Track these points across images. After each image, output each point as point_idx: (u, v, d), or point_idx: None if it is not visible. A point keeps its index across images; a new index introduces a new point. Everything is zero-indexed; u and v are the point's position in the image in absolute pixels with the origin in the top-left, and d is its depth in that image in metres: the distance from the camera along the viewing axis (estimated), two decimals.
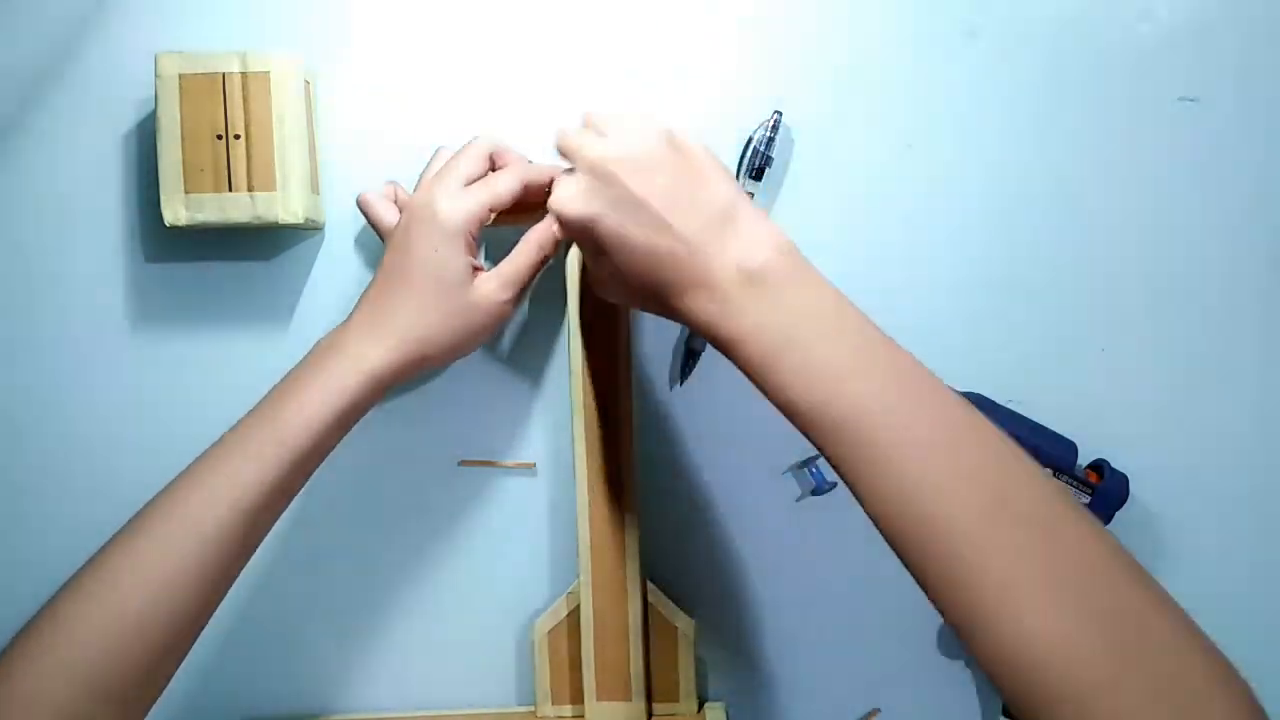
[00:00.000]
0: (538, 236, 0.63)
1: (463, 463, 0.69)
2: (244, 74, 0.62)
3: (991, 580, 0.42)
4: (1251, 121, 0.66)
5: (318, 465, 0.58)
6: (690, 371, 0.67)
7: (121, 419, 0.69)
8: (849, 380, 0.46)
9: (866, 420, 0.45)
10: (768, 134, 0.65)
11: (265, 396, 0.58)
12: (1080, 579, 0.42)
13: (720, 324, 0.49)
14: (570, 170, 0.54)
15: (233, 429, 0.57)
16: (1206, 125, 0.66)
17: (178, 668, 0.54)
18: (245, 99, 0.62)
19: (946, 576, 0.43)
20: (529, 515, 0.70)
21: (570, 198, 0.52)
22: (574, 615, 0.67)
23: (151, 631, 0.51)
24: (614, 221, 0.50)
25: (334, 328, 0.61)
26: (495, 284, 0.61)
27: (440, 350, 0.60)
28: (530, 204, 0.63)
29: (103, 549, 0.53)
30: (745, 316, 0.48)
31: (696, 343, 0.67)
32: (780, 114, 0.65)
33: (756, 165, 0.65)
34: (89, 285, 0.68)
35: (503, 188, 0.61)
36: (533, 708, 0.69)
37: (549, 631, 0.68)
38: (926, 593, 0.44)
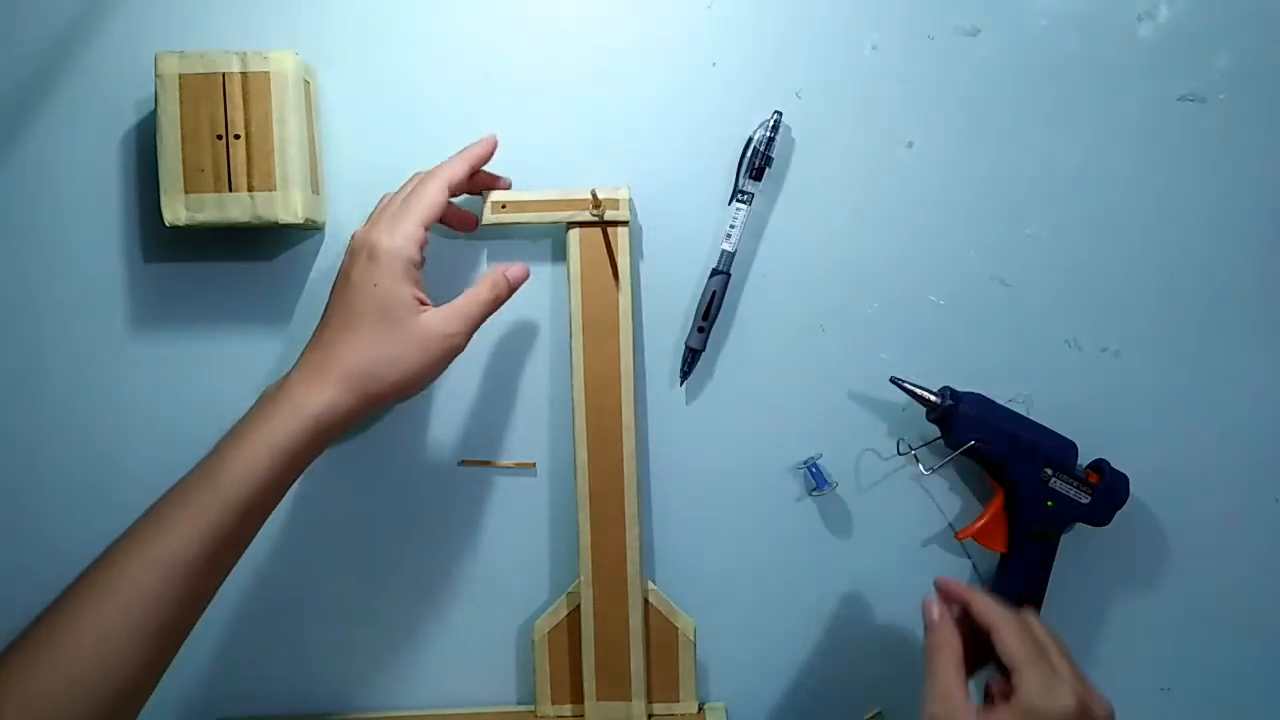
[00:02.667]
0: (492, 278, 0.62)
1: (463, 463, 0.69)
2: (244, 74, 0.62)
3: None
4: (1252, 121, 0.66)
5: (265, 514, 0.57)
6: (691, 369, 0.68)
7: (121, 418, 0.69)
8: None
9: None
10: (767, 134, 0.65)
11: (209, 451, 0.56)
12: None
13: None
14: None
15: (177, 483, 0.55)
16: (1207, 125, 0.66)
17: (141, 709, 0.53)
18: (245, 99, 0.62)
19: None
20: (529, 515, 0.70)
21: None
22: (574, 615, 0.67)
23: (94, 688, 0.50)
24: None
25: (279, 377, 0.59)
26: (444, 315, 0.59)
27: (387, 385, 0.58)
28: (478, 186, 0.66)
29: (48, 607, 0.52)
30: None
31: (695, 340, 0.67)
32: (780, 114, 0.65)
33: (756, 165, 0.65)
34: (89, 285, 0.68)
35: (427, 198, 0.60)
36: (533, 707, 0.69)
37: (549, 631, 0.68)
38: None
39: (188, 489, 0.54)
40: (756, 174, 0.65)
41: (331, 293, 0.60)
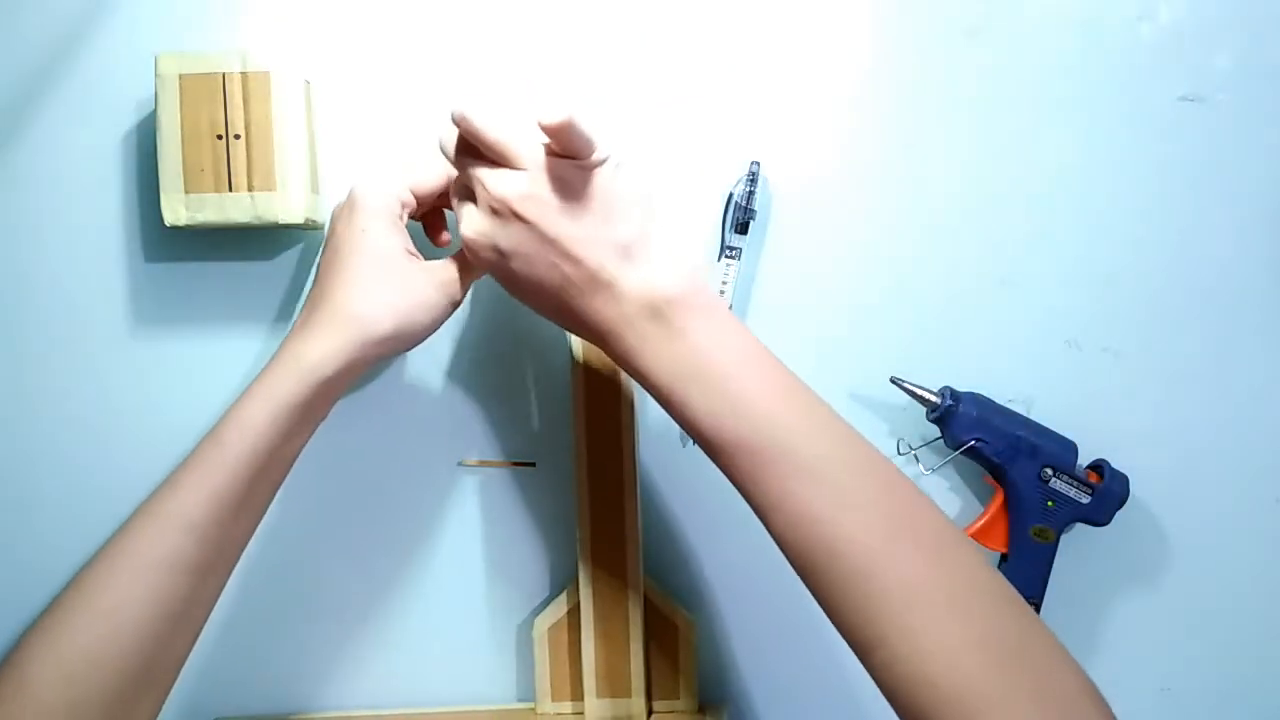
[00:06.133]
0: None
1: (463, 463, 0.69)
2: (244, 74, 0.62)
3: (891, 601, 0.45)
4: (1251, 121, 0.66)
5: (275, 474, 0.56)
6: None
7: (122, 419, 0.69)
8: (753, 408, 0.49)
9: (771, 446, 0.48)
10: (747, 188, 0.65)
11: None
12: (971, 602, 0.45)
13: (629, 359, 0.51)
14: (467, 192, 0.54)
15: (190, 451, 0.56)
16: (1206, 125, 0.66)
17: (167, 691, 0.53)
18: (245, 99, 0.62)
19: (848, 598, 0.46)
20: (529, 514, 0.70)
21: (478, 237, 0.52)
22: (574, 612, 0.67)
23: (113, 665, 0.50)
24: (521, 263, 0.51)
25: None
26: (441, 266, 0.59)
27: (385, 330, 0.56)
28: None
29: (64, 588, 0.52)
30: (650, 348, 0.50)
31: None
32: (758, 164, 0.65)
33: (740, 220, 0.65)
34: (89, 285, 0.68)
35: (422, 169, 0.61)
36: (533, 704, 0.69)
37: (549, 628, 0.68)
38: (828, 614, 0.47)
39: (197, 453, 0.54)
40: (741, 228, 0.65)
41: (322, 252, 0.60)
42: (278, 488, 0.58)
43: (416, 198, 0.60)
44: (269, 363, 0.57)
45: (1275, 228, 0.66)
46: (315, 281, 0.60)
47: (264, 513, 0.57)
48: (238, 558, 0.56)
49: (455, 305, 0.59)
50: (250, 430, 0.54)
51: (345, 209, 0.59)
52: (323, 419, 0.59)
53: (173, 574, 0.52)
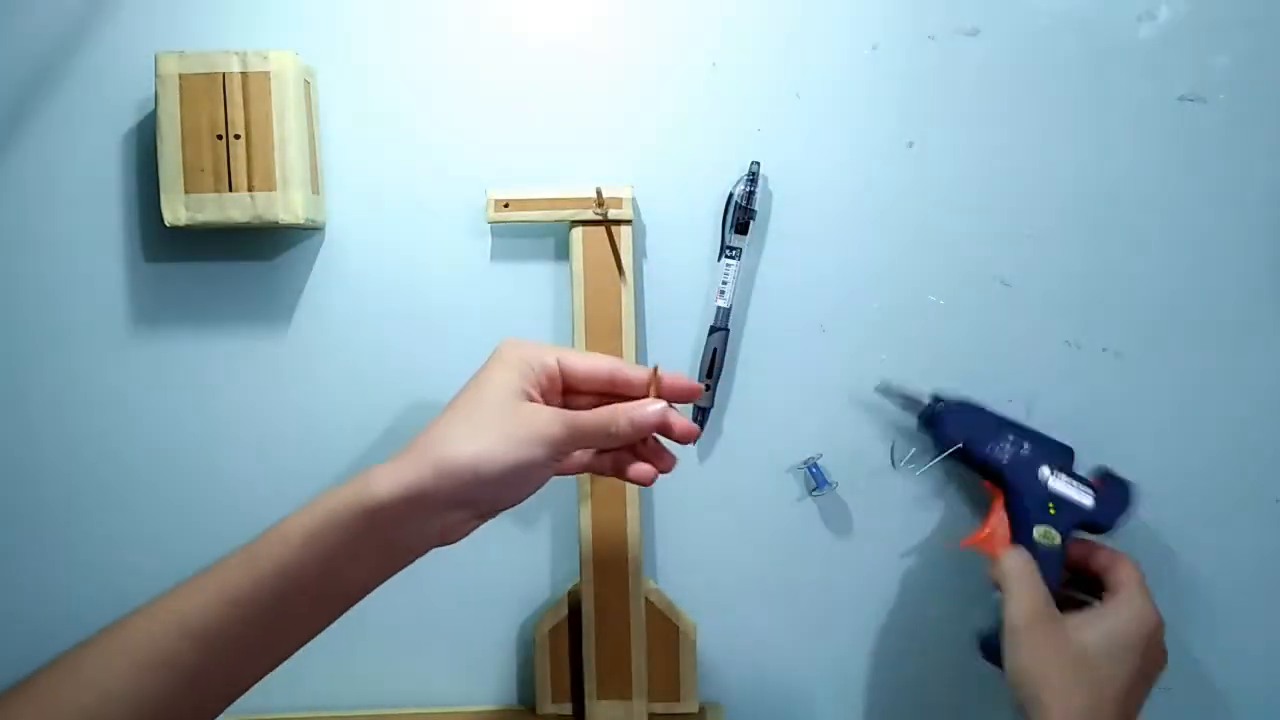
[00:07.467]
0: (611, 416, 0.53)
1: None
2: (244, 74, 0.62)
3: None
4: (1252, 121, 0.66)
5: (313, 596, 0.50)
6: (701, 429, 0.67)
7: (121, 418, 0.69)
8: None
9: None
10: (747, 188, 0.65)
11: None
12: None
13: None
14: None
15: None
16: (1207, 125, 0.66)
17: None
18: (245, 99, 0.62)
19: None
20: (529, 515, 0.70)
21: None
22: (575, 614, 0.67)
23: None
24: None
25: None
26: (551, 413, 0.51)
27: (459, 459, 0.49)
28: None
29: (57, 657, 0.48)
30: None
31: (702, 399, 0.66)
32: (758, 163, 0.65)
33: (740, 220, 0.65)
34: (89, 285, 0.68)
35: (585, 355, 0.55)
36: (533, 706, 0.69)
37: (550, 630, 0.68)
38: None
39: (227, 557, 0.49)
40: (741, 228, 0.65)
41: None
42: (322, 618, 0.52)
43: (566, 375, 0.54)
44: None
45: (1275, 227, 0.66)
46: None
47: (298, 638, 0.51)
48: (254, 673, 0.51)
49: (554, 456, 0.51)
50: (284, 541, 0.49)
51: (488, 360, 0.54)
52: (392, 562, 0.52)
53: (160, 677, 0.47)
